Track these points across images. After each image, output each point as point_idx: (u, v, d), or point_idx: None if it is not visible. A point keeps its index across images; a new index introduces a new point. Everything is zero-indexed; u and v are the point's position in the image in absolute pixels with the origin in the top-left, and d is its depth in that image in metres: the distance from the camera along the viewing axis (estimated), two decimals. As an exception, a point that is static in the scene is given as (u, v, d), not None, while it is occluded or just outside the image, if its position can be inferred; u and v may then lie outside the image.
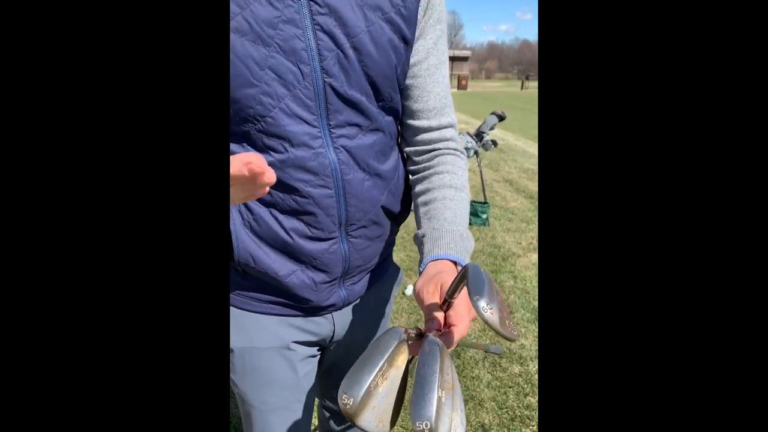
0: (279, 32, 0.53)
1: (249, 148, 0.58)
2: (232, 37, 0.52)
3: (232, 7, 0.51)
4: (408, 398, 0.42)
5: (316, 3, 0.53)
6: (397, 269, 0.85)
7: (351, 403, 0.41)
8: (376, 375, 0.43)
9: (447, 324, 0.50)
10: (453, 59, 42.57)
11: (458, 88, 34.51)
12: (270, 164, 0.57)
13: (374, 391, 0.43)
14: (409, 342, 0.48)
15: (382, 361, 0.44)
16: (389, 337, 0.46)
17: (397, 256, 3.00)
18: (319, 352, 0.79)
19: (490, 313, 0.42)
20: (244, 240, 0.62)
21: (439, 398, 0.40)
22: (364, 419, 0.42)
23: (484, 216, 3.67)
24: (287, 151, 0.58)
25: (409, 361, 0.48)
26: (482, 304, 0.42)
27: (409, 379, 0.46)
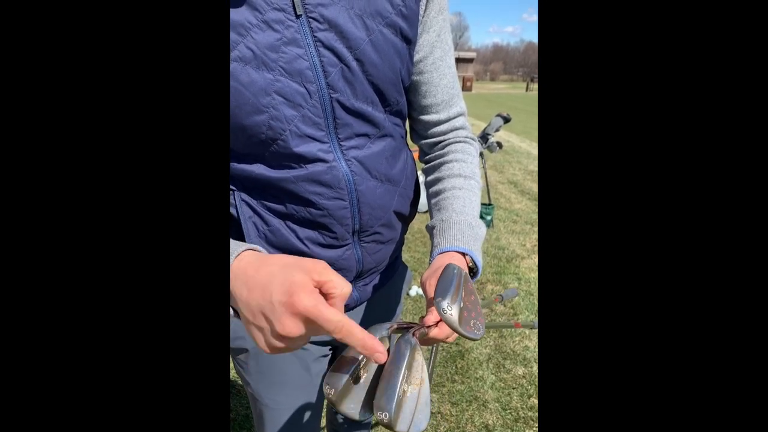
0: (282, 55, 0.52)
1: (265, 168, 0.58)
2: (235, 66, 0.51)
3: (233, 37, 0.50)
4: None
5: (316, 20, 0.52)
6: (405, 268, 0.86)
7: (333, 393, 0.44)
8: (356, 368, 0.46)
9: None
10: (458, 60, 42.41)
11: (462, 90, 34.37)
12: (285, 180, 0.58)
13: (353, 383, 0.46)
14: (391, 336, 0.51)
15: (362, 356, 0.47)
16: (371, 332, 0.49)
17: (402, 256, 3.01)
18: (331, 351, 0.81)
19: (449, 314, 0.46)
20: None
21: (404, 392, 0.43)
22: (346, 407, 0.45)
23: (489, 218, 3.67)
24: (302, 167, 0.58)
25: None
26: (443, 305, 0.46)
27: None
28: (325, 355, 0.79)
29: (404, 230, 0.75)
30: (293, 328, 0.39)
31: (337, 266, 0.66)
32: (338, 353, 0.82)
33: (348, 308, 0.73)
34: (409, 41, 0.60)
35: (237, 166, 0.59)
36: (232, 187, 0.60)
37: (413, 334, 0.49)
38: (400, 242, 0.76)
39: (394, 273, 0.80)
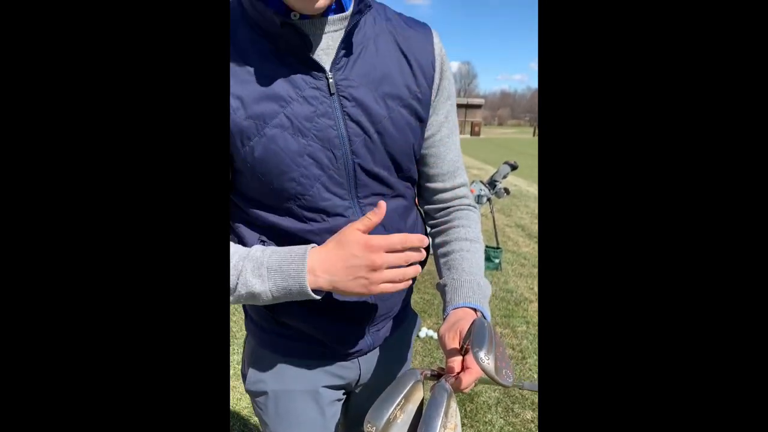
0: (315, 124, 0.61)
1: (293, 221, 0.66)
2: (276, 131, 0.60)
3: (274, 107, 0.60)
4: None
5: (346, 98, 0.62)
6: (415, 315, 0.92)
7: (374, 430, 0.49)
8: (395, 408, 0.51)
9: (464, 366, 0.58)
10: (467, 106, 43.54)
11: (471, 135, 35.22)
12: (309, 232, 0.67)
13: (393, 421, 0.51)
14: (425, 381, 0.56)
15: (401, 397, 0.52)
16: (407, 377, 0.55)
17: (411, 298, 3.04)
18: (345, 396, 0.85)
19: (487, 363, 0.50)
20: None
21: None
22: None
23: (497, 261, 3.72)
24: (324, 220, 0.66)
25: (424, 399, 0.56)
26: (481, 354, 0.50)
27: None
28: (339, 399, 0.84)
29: (414, 279, 0.82)
30: (382, 258, 0.57)
31: (352, 311, 0.73)
32: (352, 397, 0.87)
33: (362, 353, 0.79)
34: (422, 120, 0.70)
35: (269, 218, 0.66)
36: (263, 237, 0.68)
37: (446, 381, 0.53)
38: (409, 291, 0.84)
39: (404, 319, 0.86)
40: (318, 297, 0.60)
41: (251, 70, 0.60)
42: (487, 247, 3.74)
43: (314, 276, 0.59)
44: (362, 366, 0.81)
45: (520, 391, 2.10)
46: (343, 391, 0.84)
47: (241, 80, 0.59)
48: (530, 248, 4.40)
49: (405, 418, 0.52)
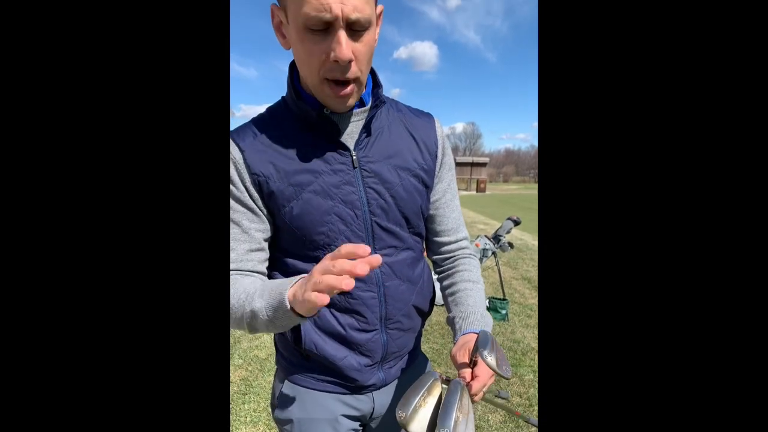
0: (341, 190, 0.76)
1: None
2: (310, 195, 0.74)
3: (309, 178, 0.74)
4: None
5: (366, 171, 0.77)
6: (425, 358, 1.02)
7: (404, 416, 0.60)
8: (420, 399, 0.63)
9: (473, 376, 0.69)
10: (472, 164, 44.46)
11: (477, 191, 35.83)
12: None
13: (419, 409, 0.63)
14: (443, 384, 0.71)
15: (423, 390, 0.65)
16: (427, 376, 0.68)
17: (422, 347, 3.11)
18: (361, 427, 0.94)
19: (490, 359, 0.64)
20: (309, 332, 0.81)
21: (457, 418, 0.58)
22: (413, 426, 0.61)
23: (504, 312, 3.81)
24: None
25: (442, 394, 0.67)
26: (485, 352, 0.64)
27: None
28: (356, 430, 0.93)
29: (422, 323, 0.93)
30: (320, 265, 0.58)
31: (367, 348, 0.84)
32: (367, 429, 0.95)
33: (375, 387, 0.89)
34: (427, 186, 0.85)
35: (300, 266, 0.79)
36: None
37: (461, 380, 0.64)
38: (419, 334, 0.95)
39: (414, 360, 0.96)
40: (298, 317, 0.63)
41: (294, 150, 0.75)
42: (494, 298, 3.86)
43: (291, 290, 0.64)
44: (376, 400, 0.90)
45: (529, 428, 2.16)
46: (359, 422, 0.93)
47: (287, 158, 0.75)
48: (536, 300, 4.48)
49: (427, 408, 0.64)
